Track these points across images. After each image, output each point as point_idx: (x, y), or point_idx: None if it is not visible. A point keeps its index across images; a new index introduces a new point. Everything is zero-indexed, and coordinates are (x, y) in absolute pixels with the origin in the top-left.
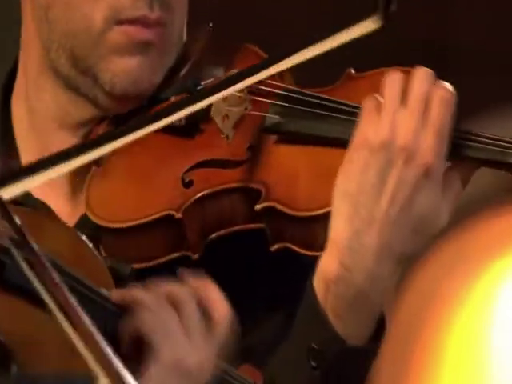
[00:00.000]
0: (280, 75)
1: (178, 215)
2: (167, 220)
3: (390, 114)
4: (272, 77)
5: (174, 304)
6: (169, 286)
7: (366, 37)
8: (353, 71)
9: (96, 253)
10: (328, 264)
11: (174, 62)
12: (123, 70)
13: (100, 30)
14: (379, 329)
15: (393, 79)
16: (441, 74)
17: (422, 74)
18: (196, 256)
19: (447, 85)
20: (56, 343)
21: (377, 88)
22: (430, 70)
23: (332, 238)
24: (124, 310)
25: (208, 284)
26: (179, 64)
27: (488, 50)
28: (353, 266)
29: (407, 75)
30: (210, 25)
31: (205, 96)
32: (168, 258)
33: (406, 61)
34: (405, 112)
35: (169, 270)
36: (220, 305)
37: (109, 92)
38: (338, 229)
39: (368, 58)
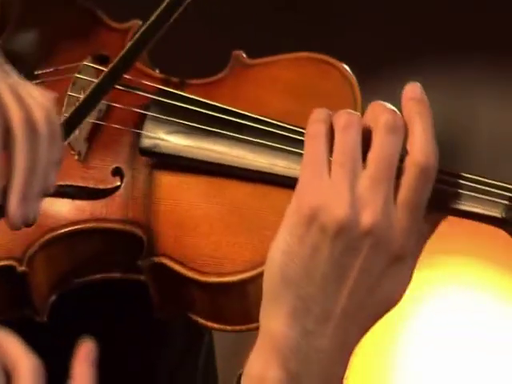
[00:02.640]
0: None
1: (22, 268)
2: (5, 273)
3: (349, 180)
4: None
5: None
6: None
7: None
8: (244, 55)
9: None
10: (266, 370)
11: None
12: None
13: None
14: None
15: (349, 121)
16: None
17: (386, 118)
18: (42, 318)
19: (427, 129)
20: None
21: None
22: (394, 113)
23: (269, 335)
24: None
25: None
26: None
27: None
28: (302, 373)
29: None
30: None
31: None
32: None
33: None
34: (366, 178)
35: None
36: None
37: None
38: (279, 324)
39: None
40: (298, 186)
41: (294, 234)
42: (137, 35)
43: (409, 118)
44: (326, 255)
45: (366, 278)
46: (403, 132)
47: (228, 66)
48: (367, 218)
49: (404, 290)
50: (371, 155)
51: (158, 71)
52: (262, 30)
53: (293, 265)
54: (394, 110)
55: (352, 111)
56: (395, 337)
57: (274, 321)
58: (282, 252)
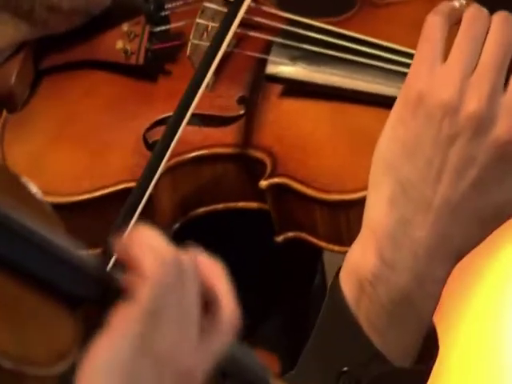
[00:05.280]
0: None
1: None
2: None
3: (463, 67)
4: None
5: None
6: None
7: None
8: None
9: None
10: (364, 257)
11: None
12: None
13: None
14: (428, 346)
15: (478, 13)
16: None
17: (502, 12)
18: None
19: None
20: None
21: (415, 23)
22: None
23: (368, 223)
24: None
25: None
26: None
27: None
28: (397, 263)
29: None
30: None
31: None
32: None
33: None
34: (478, 65)
35: None
36: (228, 301)
37: (56, 4)
38: (378, 211)
39: None
40: (409, 71)
41: (400, 119)
42: None
43: None
44: (430, 141)
45: (469, 166)
46: None
47: (356, 7)
48: (472, 102)
49: None
50: (486, 43)
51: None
52: None
53: (396, 150)
54: None
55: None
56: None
57: (374, 208)
58: (388, 138)
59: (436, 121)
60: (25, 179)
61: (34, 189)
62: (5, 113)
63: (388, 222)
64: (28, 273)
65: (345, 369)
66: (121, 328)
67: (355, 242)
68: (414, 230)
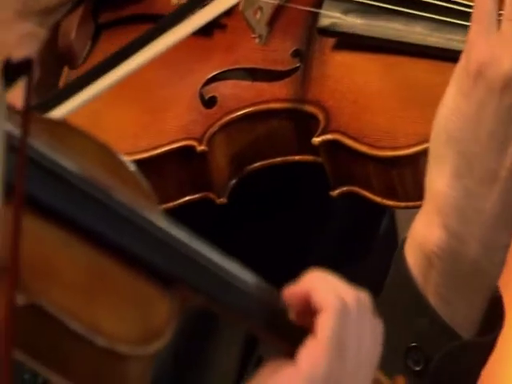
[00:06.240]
0: None
1: (201, 147)
2: (185, 153)
3: None
4: None
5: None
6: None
7: None
8: None
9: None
10: (429, 230)
11: None
12: None
13: None
14: (494, 313)
15: None
16: None
17: None
18: (222, 200)
19: None
20: None
21: None
22: None
23: (432, 196)
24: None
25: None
26: None
27: None
28: (464, 234)
29: None
30: None
31: None
32: (181, 201)
33: None
34: None
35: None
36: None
37: None
38: (441, 184)
39: None
40: (467, 43)
41: (461, 91)
42: None
43: None
44: (492, 112)
45: None
46: None
47: None
48: None
49: None
50: None
51: None
52: None
53: (458, 122)
54: None
55: None
56: None
57: (437, 181)
58: (449, 109)
59: (497, 91)
60: (123, 157)
61: (131, 167)
62: (66, 69)
63: (452, 194)
64: (128, 252)
65: (413, 344)
66: (310, 363)
67: (419, 214)
68: (480, 201)
